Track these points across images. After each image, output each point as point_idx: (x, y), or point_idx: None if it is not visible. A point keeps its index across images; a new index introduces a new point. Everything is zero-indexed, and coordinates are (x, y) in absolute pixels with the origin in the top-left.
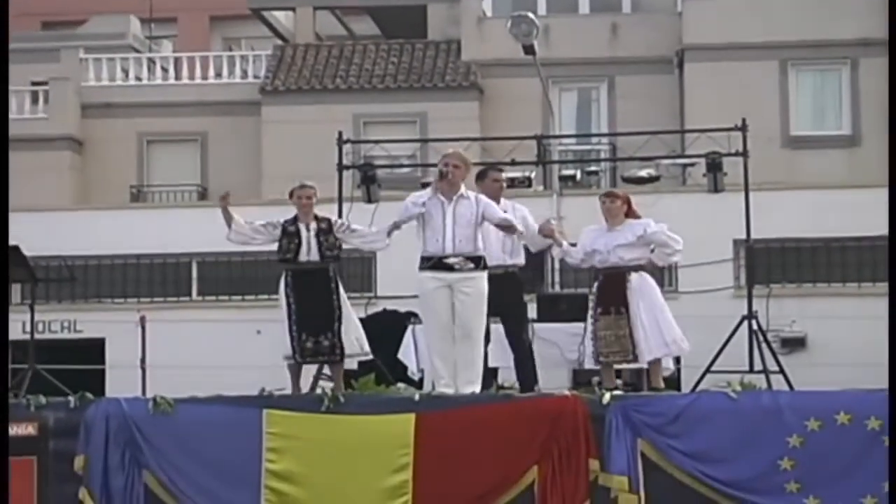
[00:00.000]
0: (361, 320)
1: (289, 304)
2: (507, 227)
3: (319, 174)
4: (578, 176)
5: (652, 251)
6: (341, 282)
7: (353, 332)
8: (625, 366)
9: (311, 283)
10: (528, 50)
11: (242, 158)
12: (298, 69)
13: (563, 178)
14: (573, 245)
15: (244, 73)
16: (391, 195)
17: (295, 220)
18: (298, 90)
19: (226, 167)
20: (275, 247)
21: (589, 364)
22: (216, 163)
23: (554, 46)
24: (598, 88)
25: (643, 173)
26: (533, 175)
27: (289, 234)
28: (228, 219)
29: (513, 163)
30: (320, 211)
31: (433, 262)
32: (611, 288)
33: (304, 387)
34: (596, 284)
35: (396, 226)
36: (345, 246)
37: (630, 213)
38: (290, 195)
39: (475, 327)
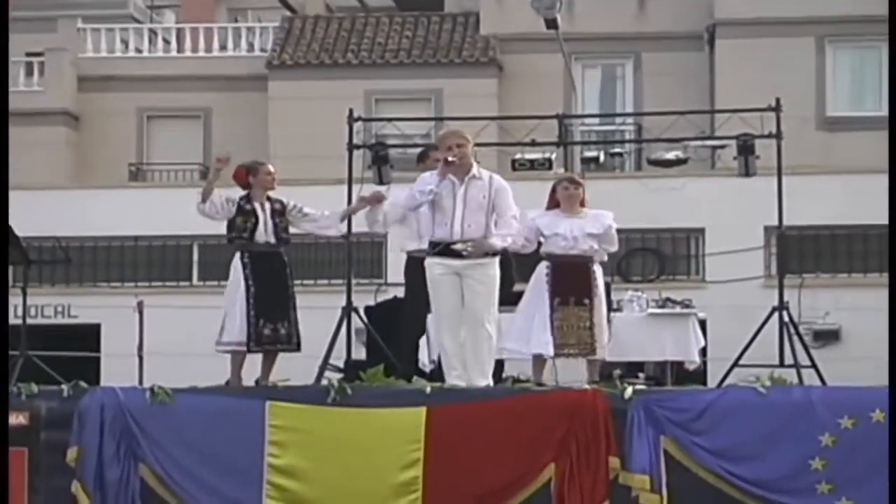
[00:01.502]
0: (371, 308)
1: (247, 288)
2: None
3: (328, 153)
4: (602, 158)
5: None
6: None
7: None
8: (577, 357)
9: (269, 266)
10: (551, 24)
11: (247, 136)
12: (307, 42)
13: (585, 161)
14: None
15: (250, 46)
16: (404, 176)
17: (248, 198)
18: (307, 64)
19: (230, 145)
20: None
21: (547, 353)
22: (219, 140)
23: (577, 20)
24: (624, 65)
25: (670, 156)
26: (554, 157)
27: (244, 212)
28: (212, 186)
29: (533, 143)
30: (326, 193)
31: (440, 248)
32: (573, 277)
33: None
34: (548, 270)
35: (352, 211)
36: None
37: (582, 203)
38: (247, 173)
39: (485, 316)
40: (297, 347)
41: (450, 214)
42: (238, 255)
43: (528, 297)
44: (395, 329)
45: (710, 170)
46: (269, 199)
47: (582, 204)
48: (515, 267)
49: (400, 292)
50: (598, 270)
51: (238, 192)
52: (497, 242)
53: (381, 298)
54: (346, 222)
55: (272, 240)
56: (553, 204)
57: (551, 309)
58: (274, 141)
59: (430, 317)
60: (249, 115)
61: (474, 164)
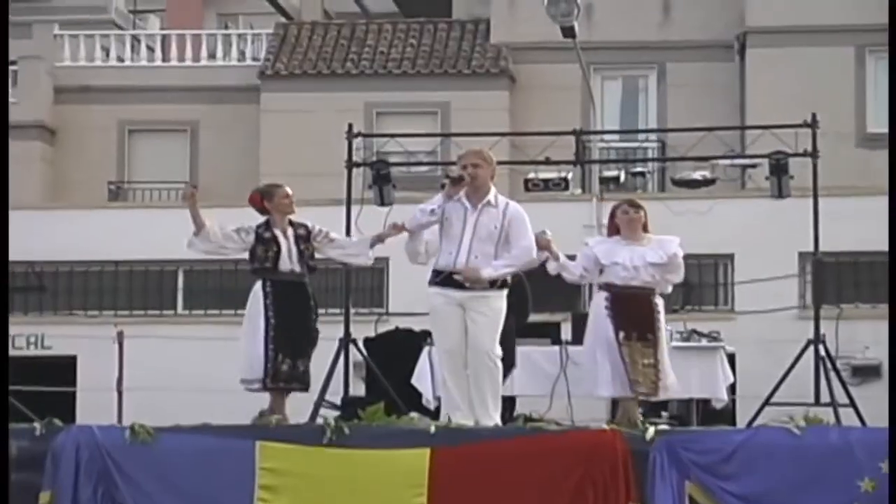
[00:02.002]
0: (370, 340)
1: (267, 319)
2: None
3: (325, 171)
4: (622, 177)
5: None
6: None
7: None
8: (643, 398)
9: (292, 297)
10: (567, 32)
11: (238, 152)
12: (304, 51)
13: (604, 180)
14: (571, 259)
15: (241, 55)
16: (407, 197)
17: (268, 224)
18: (303, 75)
19: (218, 162)
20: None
21: (606, 391)
22: (207, 157)
23: (596, 28)
24: (647, 77)
25: (697, 175)
26: (570, 176)
27: (264, 240)
28: (198, 222)
29: (547, 162)
30: (320, 214)
31: (443, 277)
32: (635, 310)
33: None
34: (608, 302)
35: (381, 239)
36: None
37: (645, 228)
38: (262, 198)
39: (490, 350)
40: (307, 388)
41: (456, 242)
42: (260, 283)
43: (589, 334)
44: (398, 363)
45: (740, 191)
46: (291, 223)
47: (644, 229)
48: (532, 297)
49: (402, 322)
50: (660, 303)
51: (257, 219)
52: (488, 272)
53: (381, 329)
54: (374, 250)
55: (297, 268)
56: (613, 230)
57: (619, 344)
58: (266, 157)
59: (432, 350)
60: (240, 129)
61: (492, 190)
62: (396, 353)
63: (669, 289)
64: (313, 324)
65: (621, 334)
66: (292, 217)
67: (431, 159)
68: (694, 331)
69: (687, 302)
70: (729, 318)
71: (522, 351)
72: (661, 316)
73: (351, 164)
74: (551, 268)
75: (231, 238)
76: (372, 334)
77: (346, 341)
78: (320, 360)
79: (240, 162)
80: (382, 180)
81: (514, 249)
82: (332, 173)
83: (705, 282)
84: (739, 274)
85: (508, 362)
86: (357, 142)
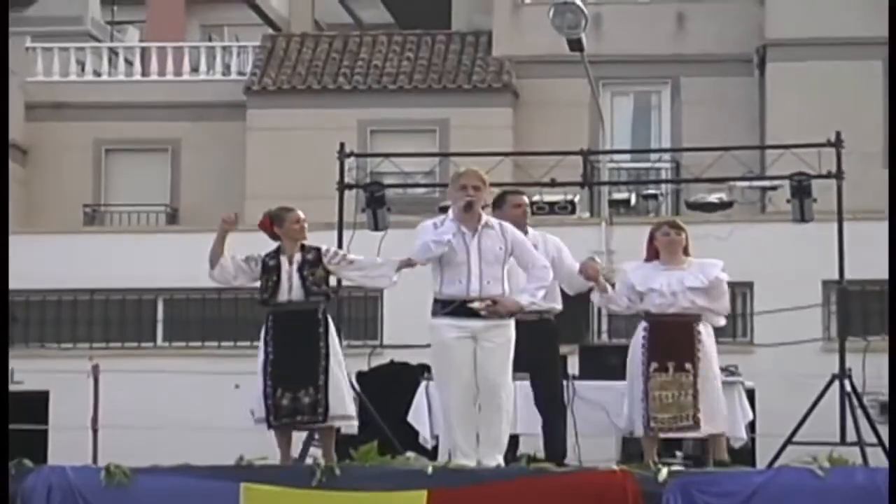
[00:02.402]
0: (364, 374)
1: (265, 354)
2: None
3: (315, 193)
4: (633, 200)
5: None
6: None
7: (341, 390)
8: (680, 435)
9: (293, 327)
10: (575, 45)
11: (222, 173)
12: (293, 65)
13: (614, 203)
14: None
15: (226, 69)
16: (403, 221)
17: (277, 252)
18: (292, 90)
19: (202, 184)
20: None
21: (636, 431)
22: (190, 178)
23: (606, 40)
24: (660, 93)
25: (713, 198)
26: (577, 199)
27: (268, 269)
28: (218, 251)
29: (553, 183)
30: (313, 240)
31: (454, 308)
32: (673, 338)
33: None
34: (645, 332)
35: (410, 264)
36: (344, 282)
37: (686, 251)
38: (272, 223)
39: (502, 385)
40: (324, 419)
41: (464, 270)
42: (265, 317)
43: (628, 365)
44: (393, 399)
45: (759, 215)
46: (302, 247)
47: (686, 252)
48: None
49: (398, 356)
50: (704, 331)
51: (271, 245)
52: (526, 299)
53: (375, 363)
54: (400, 274)
55: (298, 296)
56: (652, 254)
57: (645, 377)
58: (252, 178)
59: (430, 385)
60: (225, 148)
61: (484, 213)
62: (391, 388)
63: (719, 321)
64: (324, 350)
65: (653, 365)
66: (305, 241)
67: (429, 180)
68: None
69: None
70: (748, 350)
71: (526, 386)
72: (707, 346)
73: (343, 186)
74: (597, 300)
75: (241, 269)
76: (365, 368)
77: None
78: None
79: (224, 183)
80: (376, 203)
81: (534, 269)
82: (322, 195)
83: None
84: (759, 303)
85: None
86: (349, 162)
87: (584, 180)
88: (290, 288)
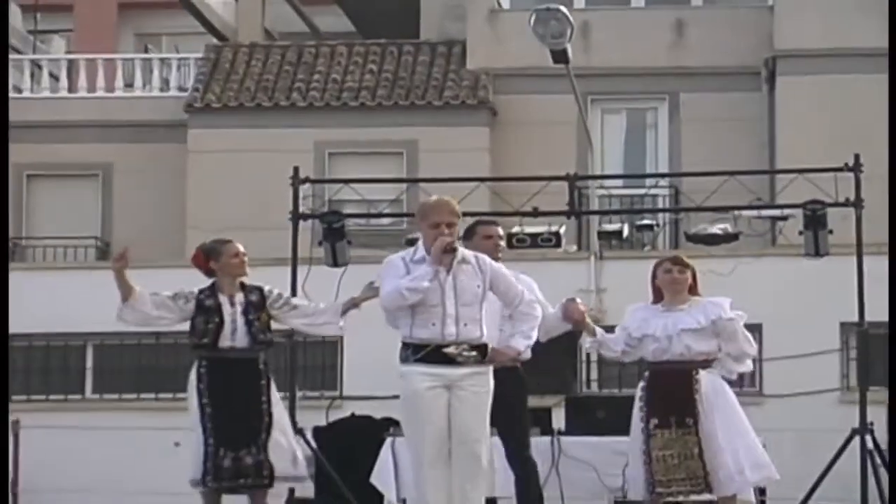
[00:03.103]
0: (321, 429)
1: (202, 407)
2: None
3: (266, 225)
4: (626, 232)
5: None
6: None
7: (287, 446)
8: (691, 498)
9: (235, 377)
10: (559, 56)
11: (160, 201)
12: (240, 79)
13: (604, 235)
14: (610, 331)
15: (165, 84)
16: (366, 256)
17: (213, 289)
18: (240, 108)
19: (136, 213)
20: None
21: (637, 495)
22: (123, 208)
23: (595, 51)
24: (656, 110)
25: (716, 229)
26: (563, 230)
27: (205, 309)
28: (125, 289)
29: (535, 213)
30: (260, 276)
31: (427, 353)
32: (671, 390)
33: None
34: (644, 384)
35: (355, 304)
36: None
37: (693, 290)
38: (205, 258)
39: (479, 440)
40: (270, 482)
41: (439, 312)
42: (196, 363)
43: (633, 421)
44: (355, 457)
45: (768, 248)
46: (243, 286)
47: (692, 291)
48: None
49: (359, 408)
50: (704, 378)
51: (203, 281)
52: (521, 344)
53: (334, 417)
54: (345, 318)
55: (243, 343)
56: (657, 294)
57: (646, 434)
58: (194, 208)
59: (397, 441)
60: (163, 173)
61: (459, 245)
62: (353, 445)
63: (738, 367)
64: (267, 406)
65: (653, 422)
66: (245, 279)
67: (395, 209)
68: None
69: None
70: (757, 402)
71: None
72: (708, 391)
73: (297, 216)
74: (587, 345)
75: (166, 306)
76: (323, 422)
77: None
78: None
79: (162, 213)
80: (335, 235)
81: (521, 306)
82: (273, 226)
83: None
84: (769, 349)
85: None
86: (305, 188)
87: (571, 209)
88: (235, 333)
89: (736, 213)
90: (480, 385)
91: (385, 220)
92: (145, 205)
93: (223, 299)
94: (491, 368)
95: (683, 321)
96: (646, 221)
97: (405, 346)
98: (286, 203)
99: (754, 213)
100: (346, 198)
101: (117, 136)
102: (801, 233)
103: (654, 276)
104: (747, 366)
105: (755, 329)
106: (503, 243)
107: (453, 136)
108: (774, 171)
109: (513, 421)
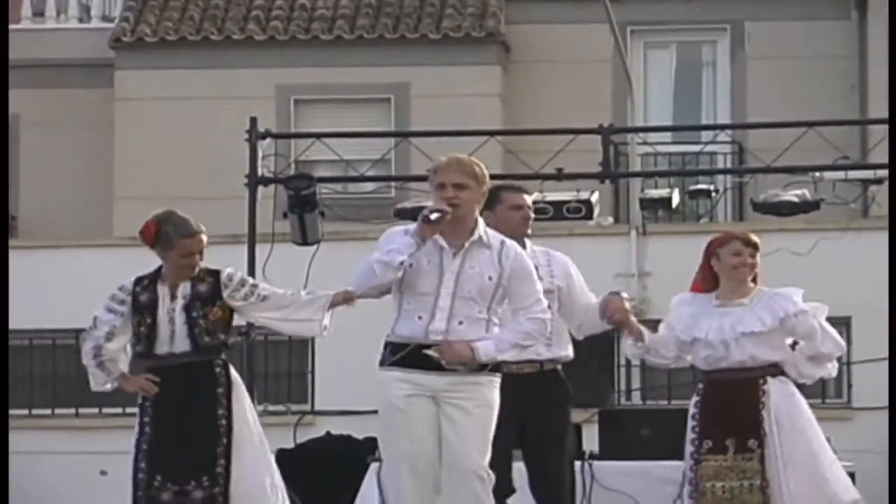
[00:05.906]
0: (287, 452)
1: (141, 426)
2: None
3: (216, 193)
4: (676, 199)
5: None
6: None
7: (255, 474)
8: None
9: (178, 391)
10: None
11: (79, 164)
12: (181, 6)
13: (648, 204)
14: (654, 329)
15: (85, 13)
16: (343, 231)
17: (154, 278)
18: (180, 42)
19: (49, 180)
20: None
21: None
22: (32, 169)
23: None
24: (714, 44)
25: (791, 196)
26: (595, 197)
27: (140, 307)
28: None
29: (559, 176)
30: (208, 258)
31: (406, 354)
32: (730, 404)
33: None
34: (697, 396)
35: (349, 299)
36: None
37: (755, 278)
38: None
39: (475, 471)
40: None
41: (429, 300)
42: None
43: (686, 441)
44: (330, 485)
45: (858, 219)
46: (194, 276)
47: (754, 280)
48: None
49: (336, 425)
50: (775, 389)
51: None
52: (486, 351)
53: (305, 436)
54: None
55: (181, 348)
56: (708, 280)
57: (695, 460)
58: (123, 171)
59: (381, 468)
60: (83, 127)
61: (480, 223)
62: (328, 471)
63: (810, 372)
64: (220, 424)
65: (706, 444)
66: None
67: (381, 171)
68: None
69: None
70: (845, 416)
71: (522, 468)
72: (779, 410)
73: (255, 181)
74: (630, 351)
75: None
76: (290, 443)
77: None
78: None
79: (82, 179)
80: (304, 205)
81: (527, 315)
82: (226, 195)
83: None
84: (860, 349)
85: (508, 488)
86: (265, 145)
87: (605, 170)
88: (172, 336)
89: (817, 175)
90: (476, 398)
91: (368, 186)
92: (60, 169)
93: (162, 292)
94: (496, 378)
95: (744, 321)
96: (701, 186)
97: (385, 344)
98: (242, 164)
99: (840, 174)
100: (317, 157)
101: (25, 80)
102: None
103: (709, 255)
104: (828, 370)
105: (841, 324)
106: (531, 215)
107: (454, 78)
108: (866, 120)
109: (546, 444)
